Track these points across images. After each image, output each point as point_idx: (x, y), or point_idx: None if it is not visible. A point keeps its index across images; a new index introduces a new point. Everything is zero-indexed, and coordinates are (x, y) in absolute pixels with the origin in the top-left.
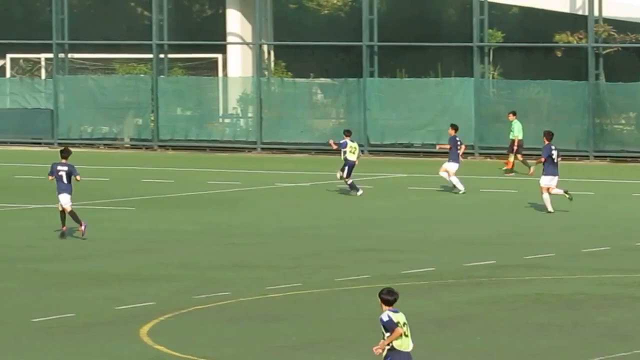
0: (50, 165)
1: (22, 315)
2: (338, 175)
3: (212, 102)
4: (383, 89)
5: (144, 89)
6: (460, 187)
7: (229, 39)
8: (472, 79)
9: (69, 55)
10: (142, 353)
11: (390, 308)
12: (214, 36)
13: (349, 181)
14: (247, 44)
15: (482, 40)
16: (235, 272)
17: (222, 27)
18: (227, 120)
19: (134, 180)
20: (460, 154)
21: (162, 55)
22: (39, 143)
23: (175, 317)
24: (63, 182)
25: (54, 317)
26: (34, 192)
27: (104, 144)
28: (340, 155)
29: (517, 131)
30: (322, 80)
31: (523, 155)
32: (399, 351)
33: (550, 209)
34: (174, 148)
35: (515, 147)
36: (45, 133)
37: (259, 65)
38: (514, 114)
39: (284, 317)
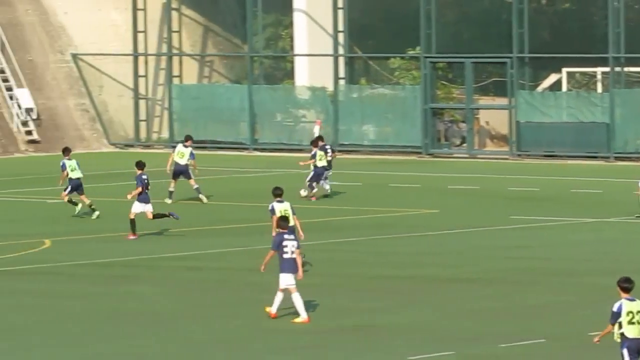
0: (136, 179)
1: (579, 328)
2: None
3: None
4: None
5: None
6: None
7: None
8: None
9: (625, 69)
10: None
11: (627, 296)
12: None
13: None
14: None
15: None
16: None
17: None
18: None
19: None
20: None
21: None
22: (595, 157)
23: None
24: (146, 191)
25: None
26: (591, 206)
27: None
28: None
29: None
30: None
31: None
32: (631, 338)
33: None
34: None
35: None
36: (600, 147)
37: None
38: None
39: None
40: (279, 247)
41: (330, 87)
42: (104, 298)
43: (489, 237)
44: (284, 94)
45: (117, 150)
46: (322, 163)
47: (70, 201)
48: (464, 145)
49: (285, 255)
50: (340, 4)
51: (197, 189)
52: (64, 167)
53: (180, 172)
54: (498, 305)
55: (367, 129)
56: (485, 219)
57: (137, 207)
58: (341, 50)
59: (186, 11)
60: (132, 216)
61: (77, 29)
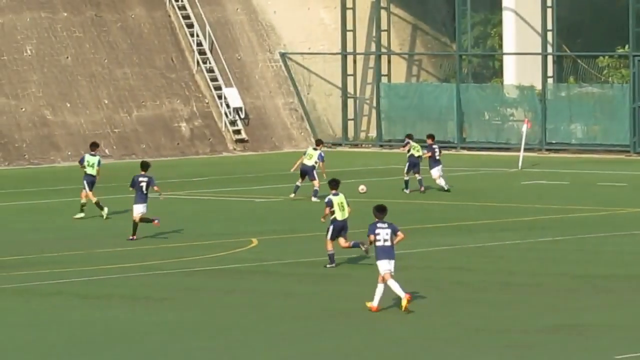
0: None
1: None
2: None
3: None
4: None
5: None
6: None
7: None
8: None
9: None
10: None
11: None
12: None
13: None
14: None
15: None
16: None
17: None
18: None
19: None
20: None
21: None
22: None
23: None
24: (142, 192)
25: None
26: None
27: None
28: None
29: None
30: None
31: None
32: None
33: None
34: None
35: None
36: None
37: None
38: None
39: None
40: (374, 232)
41: (538, 86)
42: (312, 297)
43: None
44: (492, 92)
45: (325, 149)
46: (416, 153)
47: (97, 204)
48: None
49: (378, 244)
50: (549, 2)
51: (315, 191)
52: (82, 161)
53: (305, 172)
54: None
55: (575, 127)
56: None
57: (137, 209)
58: (550, 49)
59: (395, 10)
60: (136, 219)
61: (285, 28)
